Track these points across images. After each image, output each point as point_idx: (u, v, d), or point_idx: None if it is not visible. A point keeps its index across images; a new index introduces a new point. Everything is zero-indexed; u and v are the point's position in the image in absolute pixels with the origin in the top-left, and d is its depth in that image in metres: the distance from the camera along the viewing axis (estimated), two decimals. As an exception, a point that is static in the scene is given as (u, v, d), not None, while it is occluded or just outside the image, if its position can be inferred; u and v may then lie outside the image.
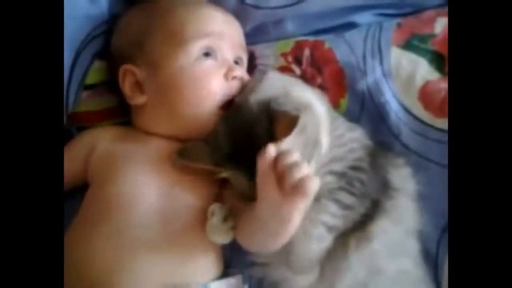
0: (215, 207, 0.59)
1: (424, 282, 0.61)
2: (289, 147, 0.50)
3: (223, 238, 0.59)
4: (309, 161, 0.56)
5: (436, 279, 0.63)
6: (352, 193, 0.57)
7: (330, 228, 0.56)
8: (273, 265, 0.61)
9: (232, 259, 0.66)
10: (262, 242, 0.55)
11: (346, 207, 0.57)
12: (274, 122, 0.54)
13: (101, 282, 0.55)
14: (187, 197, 0.61)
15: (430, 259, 0.63)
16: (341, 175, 0.58)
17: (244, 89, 0.63)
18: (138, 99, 0.64)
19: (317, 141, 0.57)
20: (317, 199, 0.56)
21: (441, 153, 0.64)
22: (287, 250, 0.56)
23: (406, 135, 0.66)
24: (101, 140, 0.64)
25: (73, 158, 0.64)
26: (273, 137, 0.53)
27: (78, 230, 0.59)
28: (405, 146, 0.66)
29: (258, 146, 0.50)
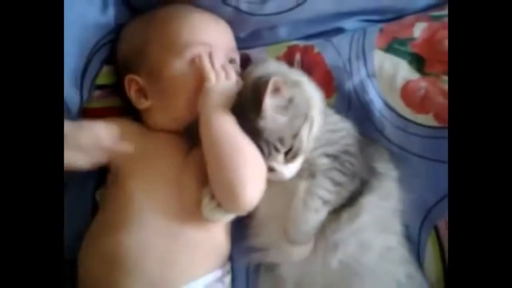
0: (206, 189, 0.65)
1: (408, 261, 0.66)
2: (270, 112, 0.60)
3: (216, 215, 0.64)
4: (297, 132, 0.62)
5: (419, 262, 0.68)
6: (343, 173, 0.64)
7: (325, 202, 0.63)
8: (271, 249, 0.67)
9: (232, 247, 0.70)
10: (218, 165, 0.62)
11: (338, 184, 0.64)
12: (257, 93, 0.61)
13: (128, 269, 0.61)
14: (194, 186, 0.66)
15: (412, 245, 0.68)
16: (334, 157, 0.65)
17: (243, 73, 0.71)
18: (143, 104, 0.71)
19: (307, 116, 0.63)
20: (314, 176, 0.64)
21: (420, 146, 0.69)
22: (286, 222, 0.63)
23: (389, 130, 0.71)
24: (124, 134, 0.66)
25: (94, 138, 0.62)
26: (258, 109, 0.61)
27: (104, 221, 0.66)
28: (389, 140, 0.71)
29: (242, 116, 0.62)
